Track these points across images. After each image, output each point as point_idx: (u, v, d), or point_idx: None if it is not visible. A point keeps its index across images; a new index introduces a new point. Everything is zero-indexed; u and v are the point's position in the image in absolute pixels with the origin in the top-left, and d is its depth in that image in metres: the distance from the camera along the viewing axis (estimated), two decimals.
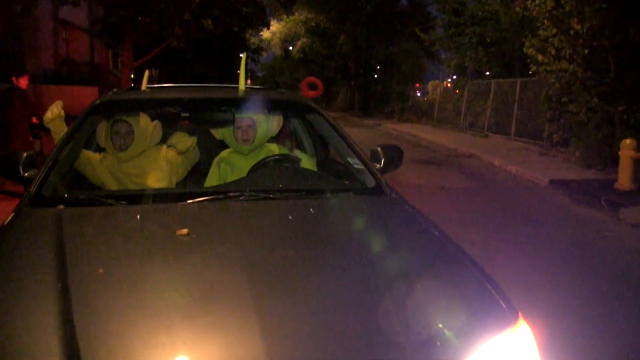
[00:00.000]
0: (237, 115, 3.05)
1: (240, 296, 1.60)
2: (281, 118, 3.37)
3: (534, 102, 14.68)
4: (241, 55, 3.00)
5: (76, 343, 1.40)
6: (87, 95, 19.75)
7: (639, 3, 9.14)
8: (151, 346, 1.41)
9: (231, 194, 2.41)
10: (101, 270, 1.73)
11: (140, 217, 2.19)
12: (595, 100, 10.07)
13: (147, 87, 3.31)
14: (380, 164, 2.97)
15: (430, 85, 25.21)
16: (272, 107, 3.27)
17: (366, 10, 34.62)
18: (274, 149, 3.22)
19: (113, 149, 2.99)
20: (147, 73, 3.31)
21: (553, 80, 11.55)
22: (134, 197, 2.42)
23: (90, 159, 3.05)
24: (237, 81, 3.37)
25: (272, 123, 3.26)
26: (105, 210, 2.26)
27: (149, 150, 3.07)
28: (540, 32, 11.27)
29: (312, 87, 3.78)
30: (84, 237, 2.05)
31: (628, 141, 7.95)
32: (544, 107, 12.82)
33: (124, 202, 2.32)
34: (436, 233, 2.21)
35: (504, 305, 1.68)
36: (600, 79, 10.21)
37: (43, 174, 2.46)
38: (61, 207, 2.23)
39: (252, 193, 2.42)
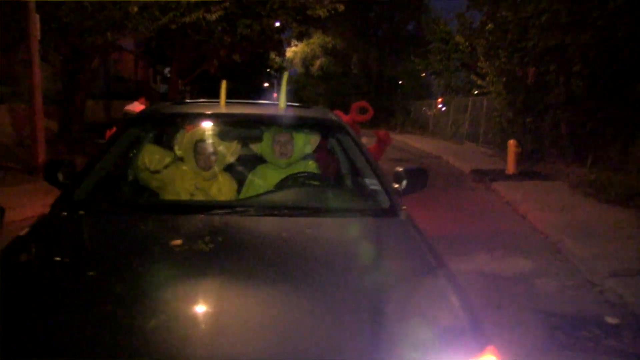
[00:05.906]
0: (277, 131, 3.12)
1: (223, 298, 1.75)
2: (318, 136, 3.42)
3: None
4: (283, 74, 3.55)
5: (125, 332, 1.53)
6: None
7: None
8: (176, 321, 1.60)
9: (238, 209, 2.47)
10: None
11: (151, 227, 2.30)
12: (511, 114, 13.88)
13: (190, 102, 3.67)
14: (401, 185, 3.00)
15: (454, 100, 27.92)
16: (307, 125, 3.33)
17: (377, 35, 38.37)
18: (309, 165, 3.26)
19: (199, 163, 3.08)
20: (224, 84, 3.31)
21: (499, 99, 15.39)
22: (150, 207, 2.62)
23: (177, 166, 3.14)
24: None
25: (309, 140, 3.32)
26: (121, 219, 2.38)
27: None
28: (479, 64, 15.18)
29: (363, 111, 3.94)
30: (99, 242, 2.20)
31: (512, 141, 11.74)
32: (493, 119, 16.60)
33: (143, 212, 2.47)
34: (430, 258, 2.19)
35: (474, 334, 1.67)
36: (516, 99, 13.99)
37: (74, 182, 2.59)
38: (81, 212, 2.35)
39: (244, 209, 2.49)
